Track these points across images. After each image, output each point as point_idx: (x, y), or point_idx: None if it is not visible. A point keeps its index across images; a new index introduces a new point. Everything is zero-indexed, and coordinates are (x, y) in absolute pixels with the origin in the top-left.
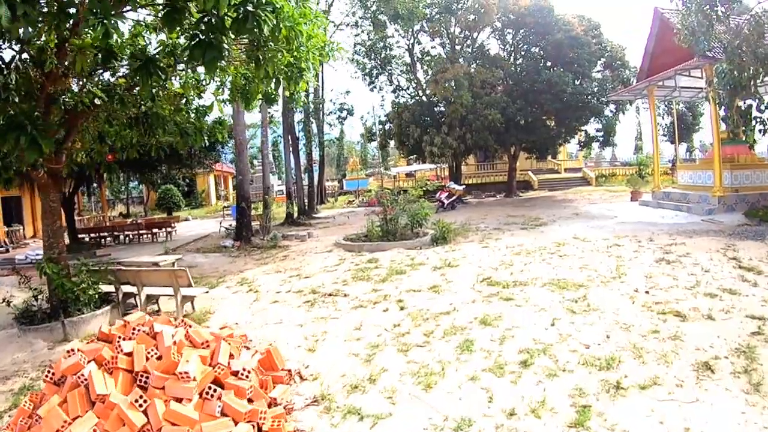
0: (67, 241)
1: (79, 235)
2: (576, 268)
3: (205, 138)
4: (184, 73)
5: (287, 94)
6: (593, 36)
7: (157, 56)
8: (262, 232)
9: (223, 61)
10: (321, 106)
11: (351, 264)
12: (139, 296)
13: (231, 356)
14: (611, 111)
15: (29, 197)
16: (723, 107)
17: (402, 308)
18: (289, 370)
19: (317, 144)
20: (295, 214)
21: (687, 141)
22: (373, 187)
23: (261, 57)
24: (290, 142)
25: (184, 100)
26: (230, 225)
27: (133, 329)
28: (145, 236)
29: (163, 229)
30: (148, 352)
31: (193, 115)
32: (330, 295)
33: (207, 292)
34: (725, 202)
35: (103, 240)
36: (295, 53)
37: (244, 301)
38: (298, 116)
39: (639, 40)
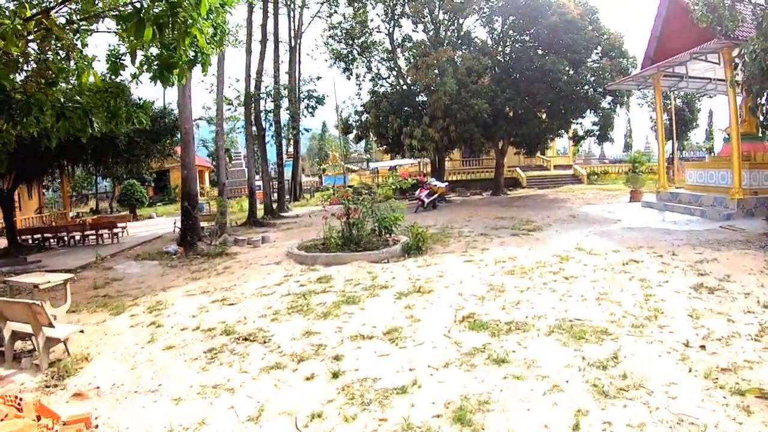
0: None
1: (24, 236)
2: (591, 299)
3: (117, 123)
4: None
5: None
6: (590, 21)
7: None
8: (212, 236)
9: None
10: (294, 93)
11: (295, 284)
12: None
13: None
14: (608, 103)
15: None
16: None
17: (335, 375)
18: None
19: (288, 136)
20: (262, 213)
21: (684, 138)
22: (355, 182)
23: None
24: (253, 134)
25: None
26: None
27: None
28: (91, 237)
29: (108, 231)
30: None
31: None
32: (246, 339)
33: (82, 331)
34: (744, 206)
35: (47, 242)
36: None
37: (137, 340)
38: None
39: (637, 29)
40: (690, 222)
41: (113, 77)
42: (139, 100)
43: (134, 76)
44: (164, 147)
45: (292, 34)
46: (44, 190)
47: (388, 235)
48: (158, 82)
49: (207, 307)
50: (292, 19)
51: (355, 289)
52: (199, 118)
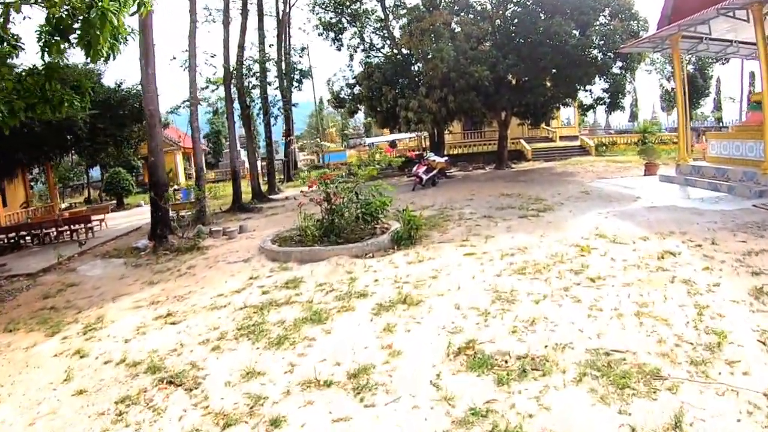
0: None
1: None
2: (629, 315)
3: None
4: None
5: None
6: None
7: None
8: (185, 228)
9: None
10: (282, 68)
11: (257, 290)
12: None
13: None
14: (619, 69)
15: None
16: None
17: None
18: None
19: (275, 113)
20: (250, 196)
21: (696, 107)
22: (354, 159)
23: None
24: (233, 111)
25: None
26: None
27: None
28: (67, 233)
29: (83, 226)
30: None
31: None
32: (171, 382)
33: None
34: None
35: (23, 240)
36: None
37: (52, 378)
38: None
39: None
40: (718, 200)
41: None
42: (77, 82)
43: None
44: (131, 133)
45: (281, 6)
46: (33, 183)
47: (375, 223)
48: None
49: (147, 326)
50: None
51: (327, 299)
52: (187, 100)
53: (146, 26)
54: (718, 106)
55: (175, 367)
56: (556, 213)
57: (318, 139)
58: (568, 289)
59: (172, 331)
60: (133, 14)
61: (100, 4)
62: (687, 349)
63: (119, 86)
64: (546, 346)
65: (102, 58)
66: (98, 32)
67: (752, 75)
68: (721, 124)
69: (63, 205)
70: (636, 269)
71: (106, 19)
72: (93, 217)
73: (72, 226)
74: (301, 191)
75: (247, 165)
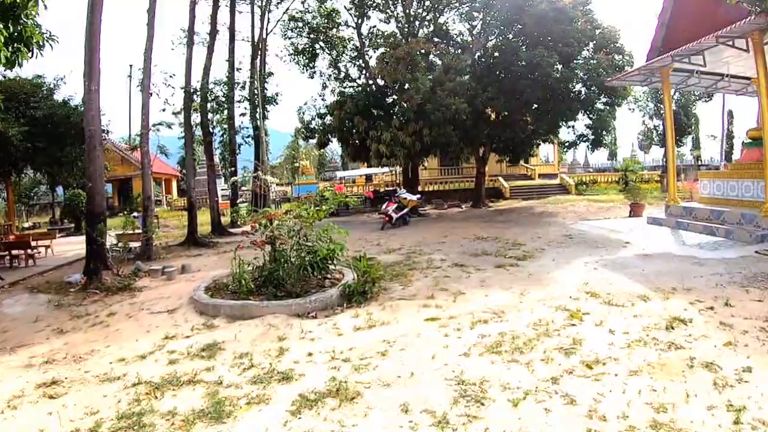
0: None
1: None
2: (644, 428)
3: None
4: None
5: None
6: (582, 13)
7: None
8: (119, 265)
9: None
10: (254, 95)
11: (164, 359)
12: None
13: None
14: (603, 104)
15: None
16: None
17: None
18: None
19: (242, 141)
20: (209, 230)
21: (679, 145)
22: (327, 193)
23: None
24: (192, 137)
25: None
26: (116, 244)
27: None
28: (7, 258)
29: (23, 252)
30: None
31: None
32: None
33: None
34: None
35: None
36: None
37: None
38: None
39: (631, 28)
40: (717, 246)
41: None
42: None
43: None
44: (71, 154)
45: (256, 32)
46: None
47: (325, 272)
48: None
49: (24, 397)
50: (254, 15)
51: (240, 380)
52: (160, 123)
53: (93, 34)
54: (696, 145)
55: None
56: (537, 262)
57: (286, 171)
58: (557, 380)
59: (45, 409)
60: None
61: None
62: None
63: (65, 102)
64: None
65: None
66: None
67: (730, 114)
68: (700, 163)
69: (26, 224)
70: (642, 347)
71: None
72: (40, 242)
73: (12, 252)
74: (243, 232)
75: (219, 195)
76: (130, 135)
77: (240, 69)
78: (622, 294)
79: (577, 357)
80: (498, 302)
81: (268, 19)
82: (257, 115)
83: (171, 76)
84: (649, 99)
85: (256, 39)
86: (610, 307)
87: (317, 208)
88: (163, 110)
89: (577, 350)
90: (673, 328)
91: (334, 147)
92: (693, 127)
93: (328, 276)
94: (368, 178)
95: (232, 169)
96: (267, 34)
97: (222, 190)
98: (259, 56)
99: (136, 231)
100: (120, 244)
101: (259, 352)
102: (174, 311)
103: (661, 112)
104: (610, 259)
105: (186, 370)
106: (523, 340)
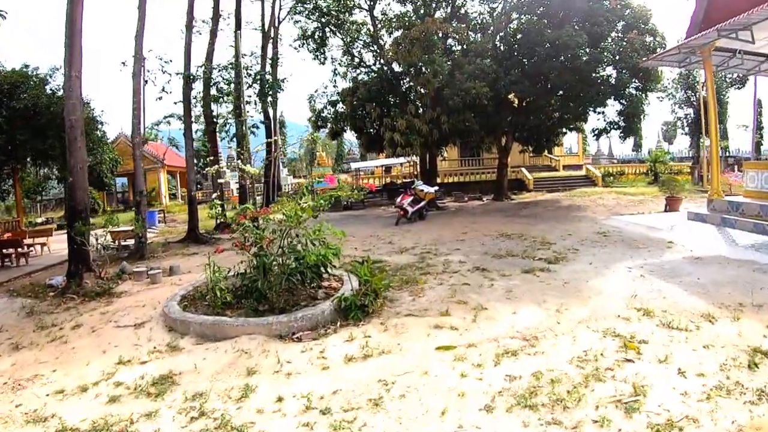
0: None
1: None
2: None
3: None
4: None
5: None
6: None
7: None
8: (102, 266)
9: None
10: (265, 84)
11: (105, 393)
12: None
13: None
14: (635, 88)
15: None
16: None
17: None
18: None
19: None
20: (214, 225)
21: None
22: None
23: None
24: (191, 126)
25: None
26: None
27: None
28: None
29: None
30: None
31: None
32: None
33: None
34: None
35: None
36: None
37: None
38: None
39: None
40: None
41: None
42: None
43: None
44: (53, 146)
45: (267, 19)
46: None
47: (319, 280)
48: None
49: None
50: (264, 1)
51: None
52: (171, 115)
53: (74, 17)
54: (724, 135)
55: None
56: (571, 265)
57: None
58: None
59: None
60: None
61: None
62: None
63: (53, 93)
64: None
65: None
66: None
67: (759, 103)
68: (727, 154)
69: (39, 219)
70: (726, 397)
71: None
72: (36, 240)
73: (3, 250)
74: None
75: (232, 187)
76: (144, 128)
77: (245, 55)
78: (681, 312)
79: (643, 417)
80: (529, 323)
81: (280, 6)
82: (268, 101)
83: (167, 62)
84: (678, 87)
85: (266, 27)
86: (671, 332)
87: (300, 204)
88: (160, 98)
89: (641, 405)
90: (757, 366)
91: (352, 138)
92: (722, 116)
93: (323, 285)
94: (387, 169)
95: (241, 158)
96: (279, 22)
97: (234, 182)
98: (270, 44)
99: (125, 228)
100: (115, 243)
101: (219, 392)
102: (141, 325)
103: (692, 100)
104: (656, 263)
105: (123, 414)
106: (565, 386)
